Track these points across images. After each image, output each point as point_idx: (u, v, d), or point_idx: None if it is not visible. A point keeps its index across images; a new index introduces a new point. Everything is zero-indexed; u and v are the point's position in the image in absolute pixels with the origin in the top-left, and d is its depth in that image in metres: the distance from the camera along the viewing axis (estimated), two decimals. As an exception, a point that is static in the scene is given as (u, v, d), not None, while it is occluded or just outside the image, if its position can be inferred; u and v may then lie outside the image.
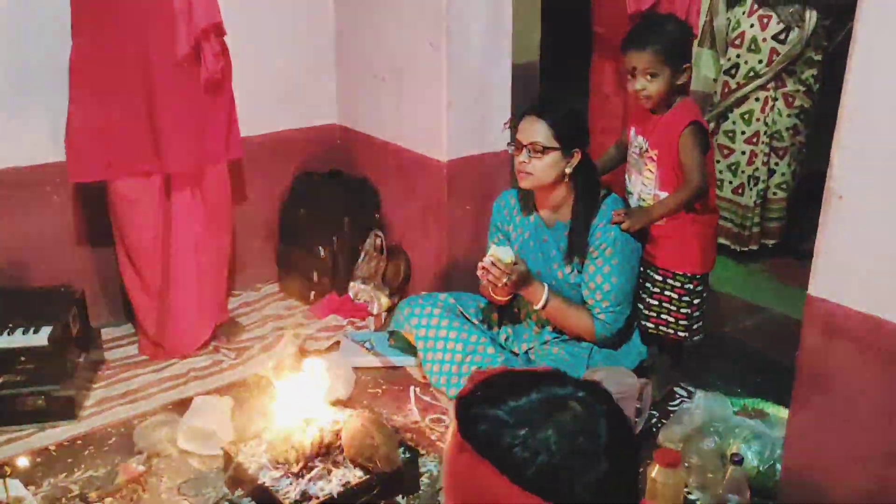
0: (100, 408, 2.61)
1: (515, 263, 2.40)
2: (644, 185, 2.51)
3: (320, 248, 3.29)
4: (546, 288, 2.49)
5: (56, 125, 2.71)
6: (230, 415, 2.50)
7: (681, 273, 2.50)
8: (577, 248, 2.48)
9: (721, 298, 3.50)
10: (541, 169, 2.39)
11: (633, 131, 2.53)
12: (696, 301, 2.52)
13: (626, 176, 2.61)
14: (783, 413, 2.39)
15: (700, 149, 2.36)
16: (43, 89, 2.75)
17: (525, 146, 2.38)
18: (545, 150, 2.36)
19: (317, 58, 3.42)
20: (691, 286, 2.51)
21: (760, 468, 2.14)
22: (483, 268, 2.41)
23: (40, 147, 2.80)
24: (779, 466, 2.13)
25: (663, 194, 2.46)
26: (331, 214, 3.28)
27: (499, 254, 2.38)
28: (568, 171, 2.42)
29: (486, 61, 2.98)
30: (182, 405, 2.59)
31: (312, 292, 3.31)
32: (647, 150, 2.46)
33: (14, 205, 2.82)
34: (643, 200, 2.52)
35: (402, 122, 3.17)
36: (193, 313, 2.92)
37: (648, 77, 2.33)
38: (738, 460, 1.96)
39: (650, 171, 2.47)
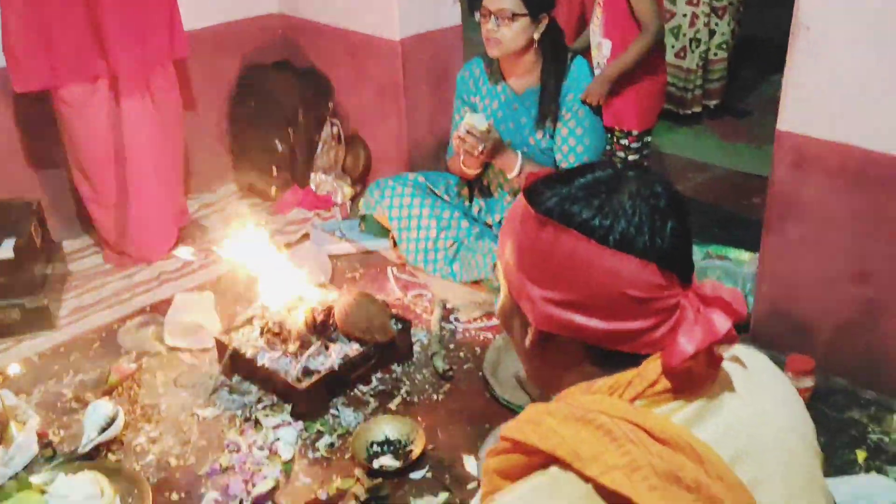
0: (76, 316, 2.56)
1: (489, 130, 2.41)
2: (593, 31, 2.54)
3: (276, 142, 3.21)
4: (520, 155, 2.51)
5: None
6: (213, 308, 2.49)
7: (620, 130, 2.56)
8: (548, 112, 2.50)
9: (670, 159, 3.62)
10: (510, 36, 2.37)
11: None
12: (630, 158, 2.57)
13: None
14: (744, 255, 2.53)
15: None
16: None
17: (493, 13, 2.35)
18: (514, 16, 2.34)
19: (250, -58, 3.26)
20: (626, 142, 2.56)
21: (734, 303, 2.27)
22: (459, 137, 2.42)
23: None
24: (751, 299, 2.27)
25: (606, 42, 2.48)
26: (283, 107, 3.19)
27: (474, 121, 2.38)
28: (536, 36, 2.41)
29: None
30: (161, 306, 2.57)
31: (273, 188, 3.26)
32: None
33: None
34: (593, 49, 2.55)
35: (349, 3, 3.07)
36: (155, 219, 2.85)
37: None
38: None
39: (597, 17, 2.49)
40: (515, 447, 0.85)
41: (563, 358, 0.90)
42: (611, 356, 0.86)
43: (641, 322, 0.83)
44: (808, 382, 1.99)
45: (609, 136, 2.60)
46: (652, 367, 0.84)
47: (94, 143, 2.68)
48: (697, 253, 2.58)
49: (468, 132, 2.39)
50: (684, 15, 3.76)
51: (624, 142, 2.56)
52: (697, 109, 3.96)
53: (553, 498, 0.80)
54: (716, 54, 3.88)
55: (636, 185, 0.85)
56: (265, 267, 2.30)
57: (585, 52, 2.63)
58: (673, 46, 3.81)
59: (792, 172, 2.01)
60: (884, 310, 1.97)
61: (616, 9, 2.42)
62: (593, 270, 0.82)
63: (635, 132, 2.55)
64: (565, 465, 0.80)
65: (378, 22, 2.98)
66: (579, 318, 0.84)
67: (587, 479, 0.78)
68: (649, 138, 2.62)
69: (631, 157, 2.58)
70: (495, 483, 0.89)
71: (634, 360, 0.85)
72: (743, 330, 2.30)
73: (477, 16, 2.41)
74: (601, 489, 0.77)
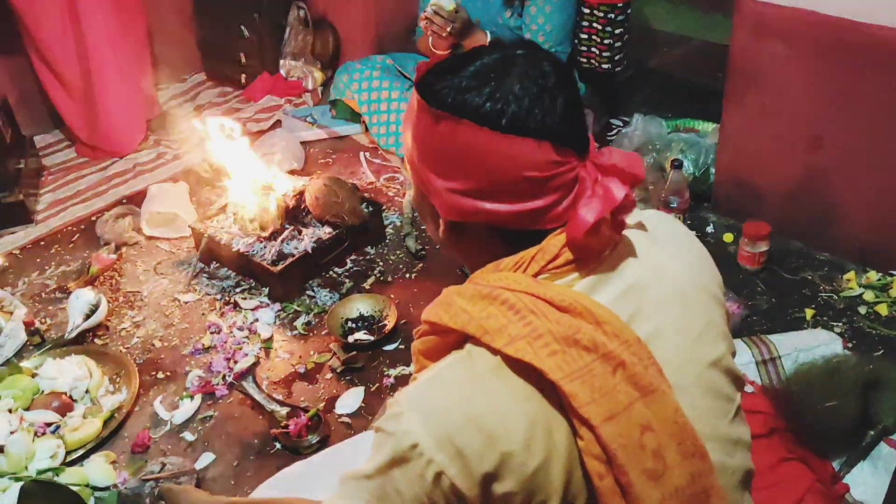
0: (53, 210, 2.60)
1: (457, 10, 2.38)
2: None
3: (242, 27, 3.16)
4: (488, 35, 2.49)
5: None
6: (188, 198, 2.53)
7: (604, 4, 2.53)
8: None
9: (646, 33, 3.56)
10: None
11: None
12: (617, 31, 2.57)
13: None
14: (712, 127, 2.56)
15: None
16: None
17: None
18: None
19: None
20: (613, 15, 2.54)
21: (696, 173, 2.33)
22: (426, 18, 2.39)
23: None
24: (712, 170, 2.32)
25: None
26: (247, -9, 3.12)
27: (440, 2, 2.35)
28: None
29: None
30: (137, 197, 2.60)
31: (243, 75, 3.23)
32: None
33: None
34: None
35: None
36: (123, 111, 2.83)
37: None
38: (678, 164, 2.12)
39: None
40: (432, 329, 0.91)
41: (476, 243, 0.94)
42: (519, 236, 0.90)
43: (543, 199, 0.87)
44: (763, 247, 2.06)
45: (590, 12, 2.56)
46: (553, 242, 0.89)
47: (50, 31, 2.63)
48: (666, 127, 2.61)
49: (435, 13, 2.36)
50: None
51: (611, 16, 2.54)
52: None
53: (466, 371, 0.85)
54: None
55: (524, 67, 0.87)
56: (236, 156, 2.32)
57: None
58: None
59: (751, 41, 2.01)
60: (836, 174, 2.02)
61: None
62: (491, 157, 0.85)
63: (619, 4, 2.53)
64: (476, 341, 0.85)
65: None
66: (484, 205, 0.88)
67: (496, 352, 0.84)
68: (629, 10, 2.60)
69: (616, 31, 2.57)
70: (421, 363, 0.96)
71: (542, 236, 0.90)
72: (705, 199, 2.36)
73: None
74: (508, 359, 0.83)
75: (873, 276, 2.01)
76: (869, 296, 1.95)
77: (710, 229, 2.28)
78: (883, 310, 1.91)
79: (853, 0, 1.80)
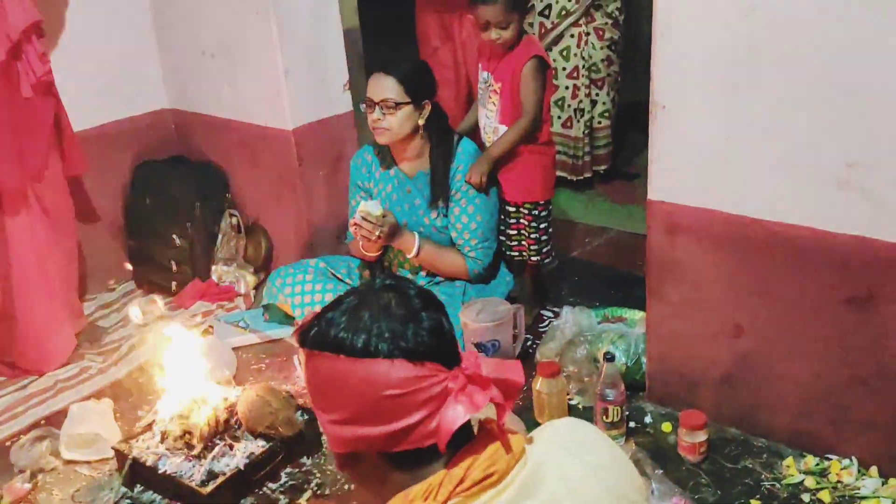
0: (-36, 435, 2.44)
1: (384, 215, 2.48)
2: (488, 117, 2.66)
3: (174, 236, 3.19)
4: (416, 236, 2.59)
5: None
6: (112, 416, 2.42)
7: (528, 202, 2.68)
8: (440, 193, 2.59)
9: (567, 226, 3.76)
10: (396, 124, 2.46)
11: (480, 67, 2.66)
12: (542, 226, 2.71)
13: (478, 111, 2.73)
14: (639, 315, 2.64)
15: (539, 82, 2.52)
16: None
17: (377, 104, 2.45)
18: (397, 105, 2.44)
19: (136, 41, 3.27)
20: (537, 212, 2.69)
21: (628, 363, 2.37)
22: (355, 223, 2.48)
23: None
24: (644, 359, 2.37)
25: (503, 127, 2.61)
26: (180, 201, 3.18)
27: (368, 208, 2.45)
28: (421, 122, 2.51)
29: (316, 26, 2.99)
30: (57, 417, 2.48)
31: (174, 282, 3.22)
32: (491, 84, 2.60)
33: None
34: (486, 133, 2.67)
35: (240, 96, 3.12)
36: (46, 329, 2.76)
37: (501, 28, 2.46)
38: (609, 357, 2.16)
39: (493, 103, 2.61)
40: None
41: (372, 472, 0.97)
42: (406, 457, 0.93)
43: (412, 416, 0.90)
44: (702, 437, 2.08)
45: (516, 210, 2.69)
46: (459, 465, 0.91)
47: None
48: (595, 317, 2.68)
49: (364, 219, 2.45)
50: (567, 87, 3.96)
51: (535, 212, 2.68)
52: (588, 175, 4.15)
53: None
54: (599, 122, 4.08)
55: (379, 300, 0.95)
56: (172, 365, 2.26)
57: (473, 131, 2.75)
58: (559, 117, 4.01)
59: (665, 238, 2.14)
60: (761, 361, 2.09)
61: (511, 98, 2.56)
62: (351, 381, 0.91)
63: (542, 202, 2.67)
64: None
65: (269, 113, 3.04)
66: (358, 430, 0.92)
67: None
68: (551, 205, 2.75)
69: (542, 226, 2.70)
70: None
71: (430, 455, 0.92)
72: (640, 388, 2.39)
73: (363, 106, 2.50)
74: None
75: (811, 460, 2.02)
76: (810, 482, 1.96)
77: (647, 419, 2.29)
78: (826, 496, 1.91)
79: (750, 199, 1.95)
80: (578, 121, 4.01)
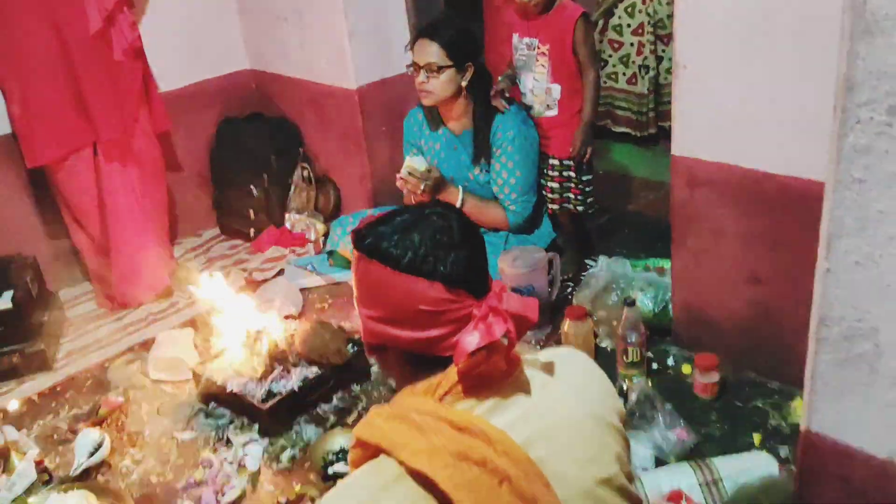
0: (71, 358, 2.84)
1: (429, 171, 2.67)
2: (536, 80, 2.77)
3: (252, 187, 3.51)
4: (461, 189, 2.78)
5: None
6: (192, 343, 2.76)
7: (574, 158, 2.81)
8: (482, 150, 2.76)
9: (625, 180, 3.85)
10: (439, 86, 2.63)
11: (516, 37, 2.79)
12: (584, 178, 2.84)
13: (518, 79, 2.87)
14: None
15: (593, 37, 2.67)
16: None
17: (422, 67, 2.62)
18: (440, 68, 2.61)
19: (219, 8, 3.56)
20: (582, 163, 2.82)
21: (655, 310, 2.50)
22: (401, 179, 2.68)
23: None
24: (671, 306, 2.49)
25: (555, 86, 2.73)
26: (257, 155, 3.49)
27: (413, 164, 2.65)
28: (464, 84, 2.67)
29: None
30: (147, 344, 2.83)
31: (252, 229, 3.54)
32: (538, 47, 2.72)
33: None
34: (536, 95, 2.80)
35: (309, 58, 3.36)
36: (141, 268, 3.13)
37: None
38: (629, 302, 2.30)
39: (542, 65, 2.73)
40: (358, 443, 1.11)
41: (393, 364, 1.15)
42: (424, 360, 1.10)
43: (438, 330, 1.07)
44: (714, 377, 2.21)
45: (559, 164, 2.84)
46: (455, 370, 1.09)
47: (83, 198, 2.99)
48: (635, 267, 2.81)
49: (410, 174, 2.65)
50: (631, 44, 4.01)
51: (584, 166, 2.81)
52: (653, 131, 4.19)
53: (375, 478, 1.04)
54: (666, 78, 4.11)
55: (432, 224, 1.10)
56: (235, 304, 2.56)
57: (511, 88, 2.89)
58: (624, 74, 4.07)
59: (687, 191, 2.25)
60: (776, 308, 2.19)
61: (562, 57, 2.68)
62: (393, 290, 1.07)
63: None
64: (387, 453, 1.04)
65: (336, 73, 3.27)
66: (391, 330, 1.09)
67: (400, 463, 1.02)
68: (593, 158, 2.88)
69: (584, 178, 2.83)
70: (351, 471, 1.13)
71: (445, 362, 1.09)
72: (667, 332, 2.52)
73: (410, 69, 2.68)
74: (410, 470, 1.01)
75: (818, 402, 2.12)
76: (813, 421, 2.06)
77: (670, 362, 2.43)
78: (825, 434, 2.01)
79: (764, 154, 2.04)
80: (643, 77, 4.06)
